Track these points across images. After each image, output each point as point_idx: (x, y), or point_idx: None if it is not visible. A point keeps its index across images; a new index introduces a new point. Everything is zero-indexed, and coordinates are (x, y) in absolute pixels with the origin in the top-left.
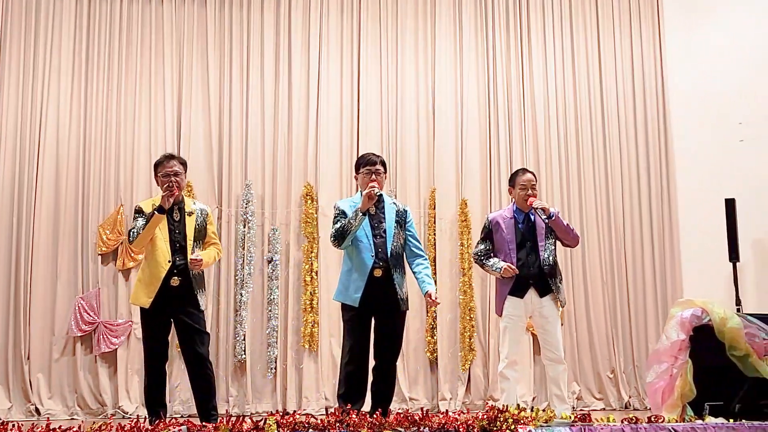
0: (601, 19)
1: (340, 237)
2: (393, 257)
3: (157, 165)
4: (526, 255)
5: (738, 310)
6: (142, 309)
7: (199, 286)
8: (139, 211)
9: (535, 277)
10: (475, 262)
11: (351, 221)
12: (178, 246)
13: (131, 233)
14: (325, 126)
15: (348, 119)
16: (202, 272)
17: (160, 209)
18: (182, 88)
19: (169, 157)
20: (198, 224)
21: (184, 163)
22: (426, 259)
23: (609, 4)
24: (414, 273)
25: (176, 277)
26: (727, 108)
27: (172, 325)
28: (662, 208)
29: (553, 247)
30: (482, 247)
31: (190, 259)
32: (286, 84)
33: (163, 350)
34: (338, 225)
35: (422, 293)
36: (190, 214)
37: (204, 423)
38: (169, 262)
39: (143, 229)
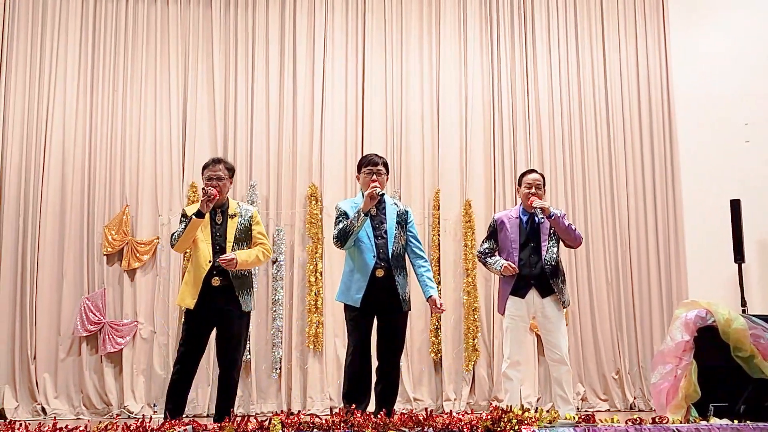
0: (606, 22)
1: (342, 238)
2: (394, 258)
3: (204, 168)
4: (529, 255)
5: (743, 311)
6: (187, 311)
7: (243, 286)
8: (183, 215)
9: (536, 277)
10: (478, 260)
11: (353, 222)
12: (218, 248)
13: (173, 237)
14: (329, 127)
15: (352, 120)
16: (248, 273)
17: (198, 213)
18: (187, 89)
19: (216, 161)
20: (240, 226)
21: (230, 168)
22: (427, 261)
23: (614, 6)
24: (416, 275)
25: (217, 278)
26: (732, 109)
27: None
28: (667, 208)
29: (556, 248)
30: (486, 245)
31: (220, 259)
32: (291, 85)
33: (199, 353)
34: (340, 226)
35: (425, 297)
36: (233, 216)
37: (208, 423)
38: (210, 262)
39: (182, 232)
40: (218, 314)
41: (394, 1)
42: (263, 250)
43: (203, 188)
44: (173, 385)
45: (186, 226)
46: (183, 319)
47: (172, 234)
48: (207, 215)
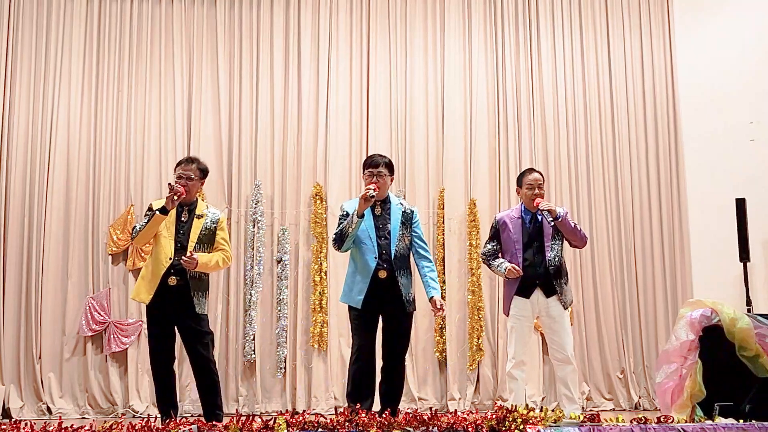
0: (611, 18)
1: (338, 240)
2: (397, 259)
3: (176, 165)
4: (533, 255)
5: (748, 310)
6: (147, 308)
7: (198, 288)
8: (149, 209)
9: (541, 277)
10: (482, 261)
11: (349, 224)
12: (179, 246)
13: (134, 229)
14: (334, 126)
15: (357, 120)
16: (205, 276)
17: (162, 210)
18: (192, 89)
19: (189, 160)
20: (206, 228)
21: (203, 170)
22: (431, 261)
23: (618, 5)
24: (420, 275)
25: (174, 277)
26: (738, 107)
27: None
28: (672, 207)
29: (559, 248)
30: (489, 247)
31: (183, 258)
32: (296, 84)
33: (167, 350)
34: (338, 228)
35: (427, 298)
36: (199, 217)
37: (214, 423)
38: (170, 259)
39: (143, 226)
40: (173, 313)
41: (399, 1)
42: (224, 256)
43: (169, 184)
44: (158, 392)
45: (149, 220)
46: (145, 318)
47: (134, 226)
48: (173, 213)
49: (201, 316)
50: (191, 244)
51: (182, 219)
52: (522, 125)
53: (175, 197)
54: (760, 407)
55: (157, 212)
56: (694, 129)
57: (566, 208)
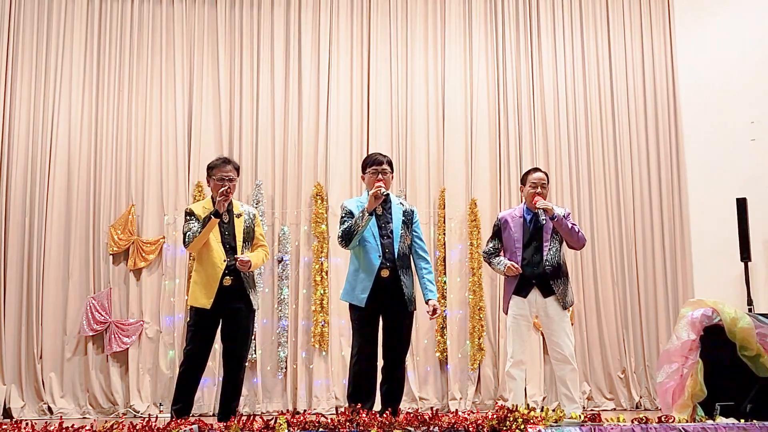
0: (612, 19)
1: (347, 238)
2: (400, 258)
3: (212, 168)
4: (532, 254)
5: (749, 309)
6: (198, 310)
7: (252, 285)
8: (190, 214)
9: (538, 276)
10: (484, 260)
11: (357, 222)
12: (228, 247)
13: (187, 236)
14: (334, 126)
15: (358, 119)
16: (253, 273)
17: (215, 213)
18: (193, 89)
19: (225, 161)
20: (246, 226)
21: (237, 169)
22: (429, 263)
23: (619, 5)
24: (418, 276)
25: (228, 277)
26: (739, 107)
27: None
28: (673, 207)
29: (558, 248)
30: (491, 245)
31: (239, 261)
32: (296, 84)
33: (207, 352)
34: (345, 226)
35: (424, 300)
36: (239, 216)
37: (215, 423)
38: (225, 261)
39: (199, 233)
40: (229, 313)
41: (399, 1)
42: (265, 252)
43: (222, 190)
44: (181, 384)
45: (200, 225)
46: (190, 319)
47: (185, 233)
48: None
49: (253, 313)
50: (239, 244)
51: (224, 221)
52: (522, 125)
53: (226, 200)
54: (761, 407)
55: (212, 217)
56: (694, 129)
57: (567, 208)
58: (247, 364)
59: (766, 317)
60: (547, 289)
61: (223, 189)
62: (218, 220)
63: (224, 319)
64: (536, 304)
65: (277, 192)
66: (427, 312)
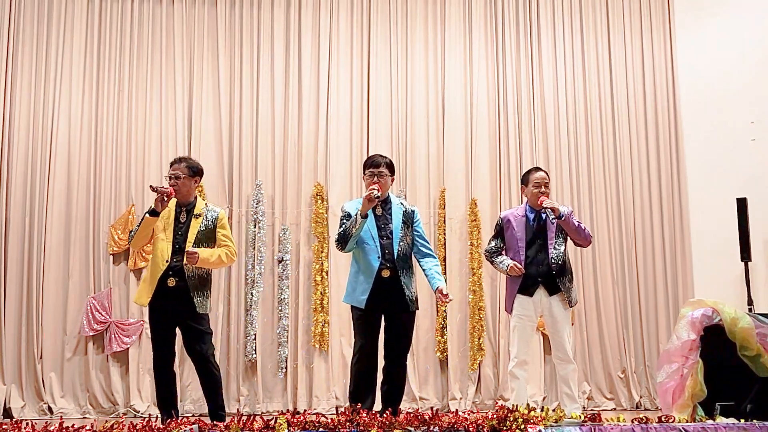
0: (611, 19)
1: (342, 241)
2: (400, 258)
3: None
4: (536, 253)
5: (749, 309)
6: (148, 310)
7: (198, 288)
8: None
9: (543, 275)
10: (486, 258)
11: (352, 225)
12: (177, 247)
13: (130, 233)
14: (335, 126)
15: (358, 120)
16: (206, 276)
17: (152, 211)
18: (193, 89)
19: (177, 160)
20: (204, 227)
21: (192, 167)
22: (435, 257)
23: (619, 6)
24: (424, 271)
25: (172, 278)
26: (739, 107)
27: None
28: (673, 207)
29: (563, 246)
30: (493, 244)
31: (186, 253)
32: (296, 84)
33: (168, 350)
34: (341, 229)
35: (432, 290)
36: (197, 216)
37: (215, 422)
38: (167, 262)
39: (137, 229)
40: (174, 314)
41: (399, 1)
42: (227, 252)
43: (150, 186)
44: (159, 392)
45: (140, 223)
46: (148, 320)
47: (130, 230)
48: (171, 214)
49: (202, 316)
50: (188, 245)
51: (180, 220)
52: (523, 125)
53: (164, 198)
54: (761, 407)
55: (147, 214)
56: (694, 129)
57: (569, 206)
58: (214, 355)
59: (766, 317)
60: (553, 287)
61: (157, 187)
62: (155, 218)
63: (178, 324)
64: (541, 303)
65: (277, 192)
66: (437, 299)
